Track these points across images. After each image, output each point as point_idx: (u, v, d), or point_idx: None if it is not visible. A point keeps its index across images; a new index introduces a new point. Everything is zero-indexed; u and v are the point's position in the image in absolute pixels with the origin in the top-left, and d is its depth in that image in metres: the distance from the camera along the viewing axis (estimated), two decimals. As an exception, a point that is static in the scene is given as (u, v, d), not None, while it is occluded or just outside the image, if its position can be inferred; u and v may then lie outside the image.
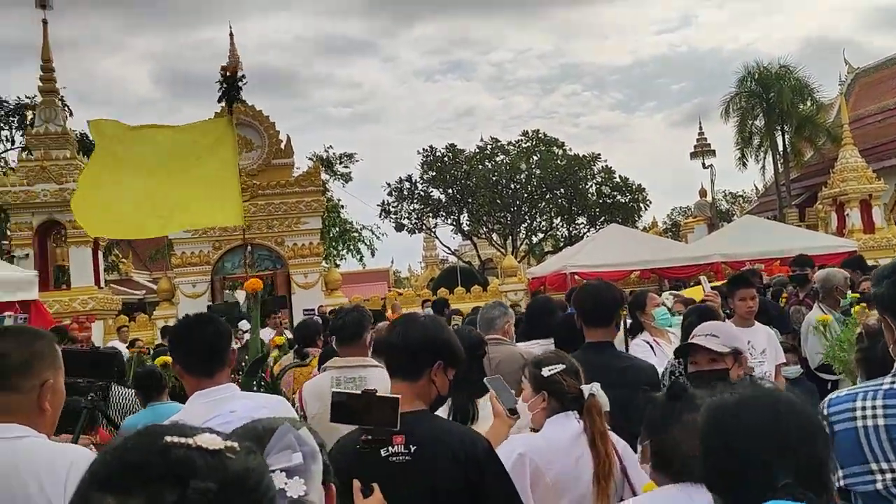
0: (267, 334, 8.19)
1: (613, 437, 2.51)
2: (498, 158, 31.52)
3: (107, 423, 3.83)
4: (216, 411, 2.34)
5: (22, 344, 1.86)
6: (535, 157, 30.67)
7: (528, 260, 30.88)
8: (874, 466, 1.80)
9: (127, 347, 10.80)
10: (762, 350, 4.71)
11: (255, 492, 0.82)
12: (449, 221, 31.77)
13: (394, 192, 31.25)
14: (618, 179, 30.92)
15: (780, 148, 28.14)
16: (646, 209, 31.73)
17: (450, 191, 30.78)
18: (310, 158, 24.01)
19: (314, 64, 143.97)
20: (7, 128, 19.79)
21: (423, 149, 31.70)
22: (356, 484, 1.89)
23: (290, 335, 7.95)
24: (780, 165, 28.34)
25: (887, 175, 23.16)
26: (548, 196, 30.69)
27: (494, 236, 32.49)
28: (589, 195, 30.74)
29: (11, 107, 19.77)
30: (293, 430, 1.25)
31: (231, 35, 18.74)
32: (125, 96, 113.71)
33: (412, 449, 2.11)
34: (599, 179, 30.91)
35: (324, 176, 22.25)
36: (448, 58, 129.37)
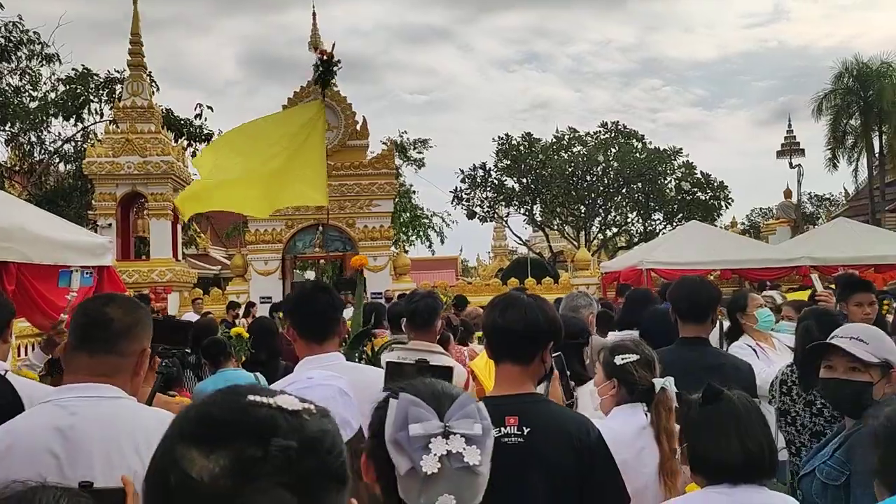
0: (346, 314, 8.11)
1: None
2: (575, 149, 30.81)
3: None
4: (299, 376, 2.52)
5: (127, 311, 1.98)
6: (613, 150, 29.81)
7: (600, 254, 30.12)
8: None
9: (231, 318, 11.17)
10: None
11: (329, 453, 0.84)
12: (521, 211, 31.31)
13: (467, 179, 31.01)
14: (699, 176, 29.75)
15: (876, 150, 26.52)
16: (727, 208, 30.44)
17: (524, 180, 30.30)
18: (383, 143, 24.02)
19: (392, 50, 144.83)
20: (97, 101, 20.44)
21: (499, 137, 31.35)
22: None
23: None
24: (874, 168, 26.71)
25: None
26: (624, 190, 29.82)
27: (567, 228, 31.82)
28: (667, 191, 29.71)
29: (101, 80, 20.41)
30: (474, 401, 1.30)
31: (314, 16, 18.86)
32: (210, 77, 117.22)
33: (525, 431, 2.08)
34: (679, 175, 29.79)
35: (397, 161, 22.20)
36: (526, 48, 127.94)
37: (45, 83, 20.48)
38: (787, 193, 31.07)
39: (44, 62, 20.03)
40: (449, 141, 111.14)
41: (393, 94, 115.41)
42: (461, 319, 6.66)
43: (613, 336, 4.71)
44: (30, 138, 20.42)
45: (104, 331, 1.92)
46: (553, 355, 2.91)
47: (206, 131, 20.67)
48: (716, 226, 27.00)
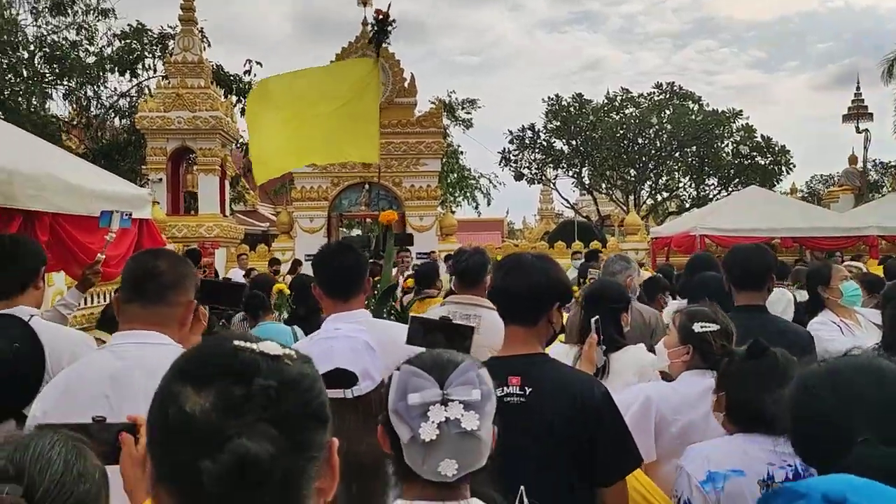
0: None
1: None
2: (627, 111, 29.92)
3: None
4: (333, 325, 2.62)
5: (176, 265, 2.14)
6: (667, 112, 28.84)
7: (649, 219, 29.42)
8: None
9: (244, 276, 11.14)
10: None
11: (308, 392, 0.91)
12: (570, 174, 30.72)
13: (515, 140, 30.50)
14: (759, 139, 28.55)
15: (950, 115, 25.06)
16: (788, 173, 29.18)
17: (573, 142, 29.64)
18: (431, 102, 23.69)
19: (441, 12, 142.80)
20: (151, 56, 20.58)
21: (549, 97, 30.66)
22: None
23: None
24: (948, 135, 25.28)
25: None
26: (677, 154, 28.89)
27: (616, 192, 31.12)
28: (723, 155, 28.65)
29: (155, 36, 20.52)
30: (476, 367, 1.34)
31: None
32: (260, 35, 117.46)
33: (527, 391, 2.10)
34: (738, 138, 28.67)
35: (445, 121, 21.89)
36: (577, 7, 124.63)
37: (101, 38, 20.70)
38: (853, 160, 29.60)
39: (100, 17, 20.20)
40: (497, 102, 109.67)
41: (441, 54, 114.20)
42: None
43: (677, 304, 4.53)
44: (86, 93, 20.73)
45: (155, 283, 2.07)
46: (592, 319, 2.95)
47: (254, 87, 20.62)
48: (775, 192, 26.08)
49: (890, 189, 30.14)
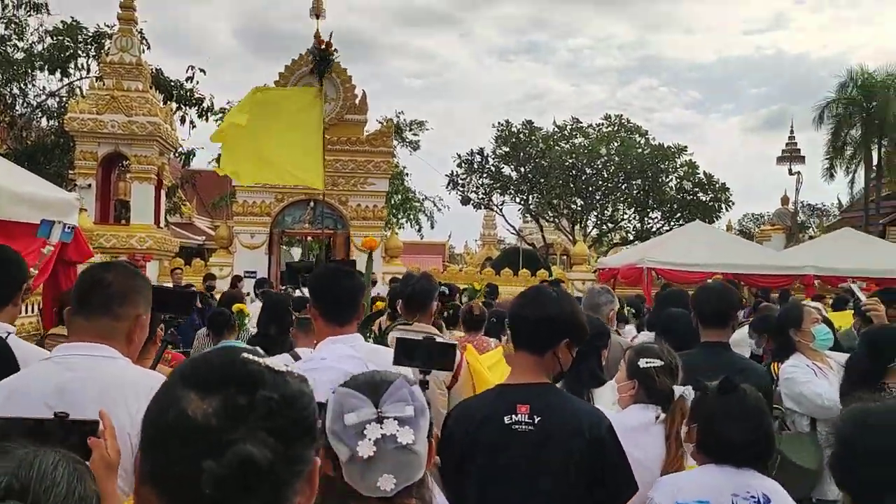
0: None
1: None
2: (576, 141, 30.15)
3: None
4: (315, 356, 2.71)
5: (124, 277, 2.08)
6: (615, 144, 29.19)
7: (593, 250, 29.59)
8: None
9: (205, 289, 10.90)
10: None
11: (304, 409, 0.95)
12: (517, 200, 30.68)
13: (464, 164, 30.31)
14: (701, 176, 29.19)
15: (875, 162, 26.21)
16: (727, 210, 29.93)
17: (522, 169, 29.63)
18: (380, 122, 23.28)
19: (393, 32, 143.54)
20: (84, 55, 19.50)
21: (499, 123, 30.60)
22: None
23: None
24: (871, 180, 26.41)
25: None
26: (624, 185, 29.22)
27: (563, 221, 31.23)
28: (667, 189, 29.14)
29: (90, 34, 19.48)
30: (407, 385, 1.44)
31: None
32: (206, 46, 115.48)
33: (536, 420, 2.14)
34: (682, 174, 29.23)
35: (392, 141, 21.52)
36: (525, 39, 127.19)
37: (31, 34, 19.58)
38: (785, 200, 30.68)
39: (31, 12, 19.14)
40: (442, 125, 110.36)
41: (390, 74, 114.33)
42: (496, 310, 6.38)
43: (645, 336, 4.74)
44: (12, 90, 19.52)
45: (101, 294, 2.02)
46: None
47: (197, 95, 19.77)
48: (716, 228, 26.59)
49: (817, 230, 31.26)
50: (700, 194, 28.99)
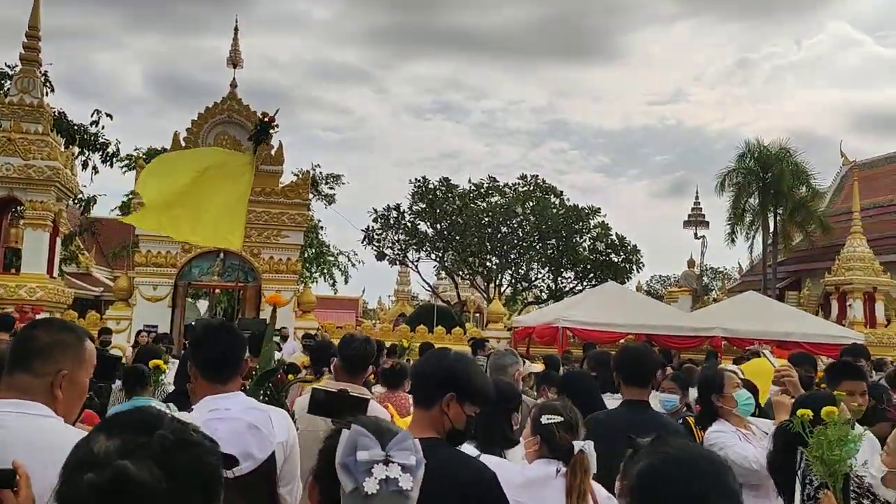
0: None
1: (598, 487, 2.65)
2: (493, 199, 30.55)
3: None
4: (215, 406, 2.63)
5: (48, 333, 2.05)
6: (530, 203, 29.73)
7: (507, 307, 29.71)
8: None
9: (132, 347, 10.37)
10: (864, 461, 3.67)
11: (201, 460, 1.04)
12: (432, 257, 30.60)
13: (380, 219, 30.11)
14: (614, 237, 30.05)
15: (771, 229, 27.76)
16: (638, 272, 30.88)
17: (438, 226, 29.67)
18: (295, 174, 22.87)
19: (308, 86, 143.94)
20: (-20, 95, 18.33)
21: (416, 179, 30.69)
22: None
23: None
24: (768, 246, 27.93)
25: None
26: (538, 245, 29.70)
27: (478, 279, 31.31)
28: (580, 250, 29.80)
29: (-11, 74, 18.38)
30: (411, 437, 1.54)
31: (236, 31, 17.84)
32: (114, 92, 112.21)
33: None
34: (595, 234, 30.00)
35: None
36: (440, 98, 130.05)
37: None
38: (691, 263, 31.97)
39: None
40: (357, 180, 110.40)
41: (306, 128, 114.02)
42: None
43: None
44: None
45: (22, 350, 2.02)
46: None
47: (101, 140, 18.87)
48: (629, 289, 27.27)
49: (720, 293, 32.60)
50: (612, 255, 29.75)
